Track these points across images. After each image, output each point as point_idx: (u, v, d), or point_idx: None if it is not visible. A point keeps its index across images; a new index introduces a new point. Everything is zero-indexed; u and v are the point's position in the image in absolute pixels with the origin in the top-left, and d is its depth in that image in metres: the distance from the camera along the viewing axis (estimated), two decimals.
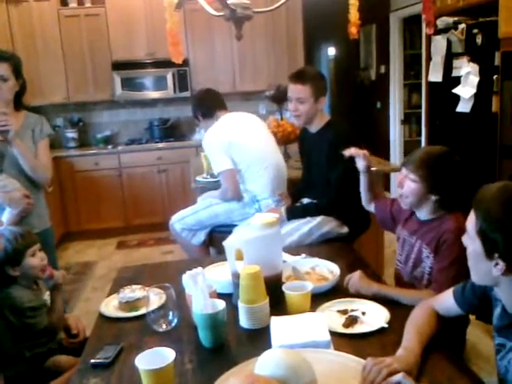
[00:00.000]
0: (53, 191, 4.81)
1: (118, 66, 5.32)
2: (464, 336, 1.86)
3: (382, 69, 6.74)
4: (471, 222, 1.28)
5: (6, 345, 1.79)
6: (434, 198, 1.76)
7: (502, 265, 1.22)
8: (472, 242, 1.28)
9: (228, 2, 1.89)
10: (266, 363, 1.19)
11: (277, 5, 2.17)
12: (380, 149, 6.03)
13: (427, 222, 1.82)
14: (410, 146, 6.19)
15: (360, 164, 2.13)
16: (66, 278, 2.08)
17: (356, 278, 1.77)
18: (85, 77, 5.39)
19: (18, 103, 2.51)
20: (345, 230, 2.62)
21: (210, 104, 3.12)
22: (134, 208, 5.40)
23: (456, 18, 4.14)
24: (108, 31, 5.28)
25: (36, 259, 1.94)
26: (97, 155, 5.32)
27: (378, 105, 6.99)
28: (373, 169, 2.19)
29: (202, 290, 1.53)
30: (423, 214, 1.83)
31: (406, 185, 1.78)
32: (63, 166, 5.16)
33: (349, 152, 2.13)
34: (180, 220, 3.11)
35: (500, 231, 1.21)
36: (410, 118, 6.59)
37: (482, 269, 1.28)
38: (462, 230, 1.68)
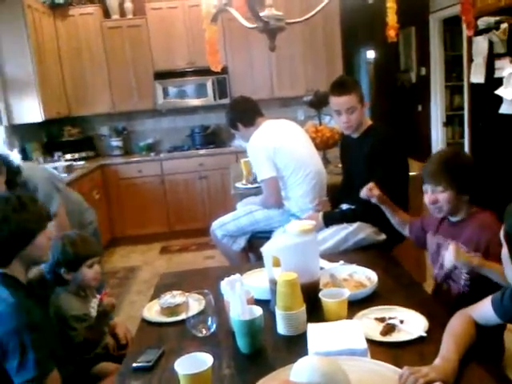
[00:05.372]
0: (99, 198, 4.99)
1: (159, 75, 5.45)
2: (502, 342, 1.82)
3: (423, 71, 6.63)
4: (502, 227, 1.27)
5: (56, 345, 1.76)
6: (465, 197, 1.83)
7: None
8: (503, 247, 1.28)
9: (261, 14, 1.91)
10: (301, 370, 1.20)
11: (309, 15, 2.18)
12: (422, 152, 5.92)
13: (459, 223, 1.88)
14: None
15: (373, 200, 2.24)
16: (113, 308, 2.06)
17: (452, 251, 1.67)
18: (128, 87, 5.54)
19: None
20: (382, 237, 2.60)
21: (251, 112, 3.11)
22: (177, 214, 5.51)
23: (497, 18, 4.05)
24: (149, 41, 5.42)
25: (92, 271, 1.95)
26: (140, 163, 5.46)
27: (419, 107, 6.88)
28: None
29: (240, 296, 1.56)
30: (458, 216, 1.88)
31: (439, 199, 1.84)
32: (109, 173, 5.33)
33: (363, 194, 2.26)
34: (221, 226, 3.15)
35: None
36: (452, 120, 6.46)
37: (510, 273, 1.27)
38: (493, 226, 1.70)
